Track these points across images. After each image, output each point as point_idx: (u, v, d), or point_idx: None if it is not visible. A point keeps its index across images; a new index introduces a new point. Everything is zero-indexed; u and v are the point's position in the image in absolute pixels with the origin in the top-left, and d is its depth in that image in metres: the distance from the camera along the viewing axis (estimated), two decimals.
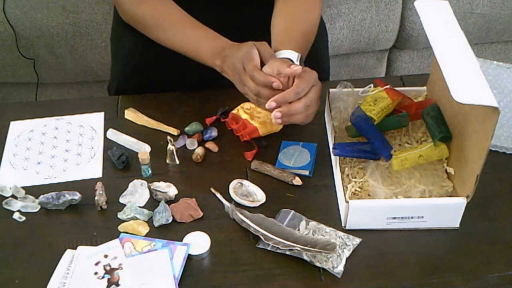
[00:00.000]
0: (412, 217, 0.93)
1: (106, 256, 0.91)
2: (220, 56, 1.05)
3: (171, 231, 0.95)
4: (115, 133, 1.12)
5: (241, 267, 0.90)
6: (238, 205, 0.98)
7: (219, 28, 1.23)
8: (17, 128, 1.15)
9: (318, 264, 0.89)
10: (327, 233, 0.94)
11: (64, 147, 1.11)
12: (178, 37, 1.11)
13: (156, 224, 0.96)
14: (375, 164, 1.00)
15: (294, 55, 1.04)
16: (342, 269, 0.89)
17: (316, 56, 1.16)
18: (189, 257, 0.91)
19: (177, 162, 1.07)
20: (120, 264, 0.89)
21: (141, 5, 1.15)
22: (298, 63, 1.04)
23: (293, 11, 1.14)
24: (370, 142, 0.99)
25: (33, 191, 1.02)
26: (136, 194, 1.00)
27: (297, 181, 1.01)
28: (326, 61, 1.38)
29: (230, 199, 0.99)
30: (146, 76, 1.27)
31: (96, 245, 0.93)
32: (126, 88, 1.29)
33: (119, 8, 1.20)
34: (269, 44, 1.11)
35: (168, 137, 1.07)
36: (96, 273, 0.88)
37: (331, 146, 1.05)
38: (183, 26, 1.11)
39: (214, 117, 1.14)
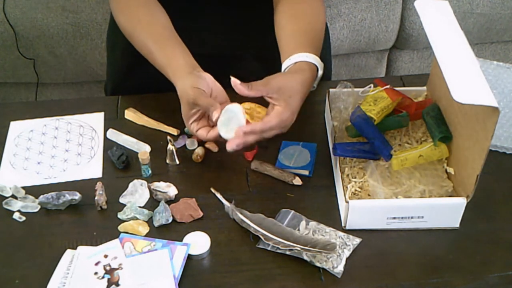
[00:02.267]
0: (412, 217, 0.93)
1: (106, 256, 0.91)
2: (173, 81, 1.03)
3: (171, 231, 0.95)
4: (115, 133, 1.12)
5: (241, 267, 0.90)
6: (237, 206, 0.98)
7: (220, 27, 1.23)
8: (17, 128, 1.15)
9: (318, 264, 0.89)
10: (327, 233, 0.94)
11: (64, 147, 1.11)
12: (144, 53, 1.10)
13: (156, 224, 0.96)
14: (375, 164, 1.00)
15: (317, 61, 1.04)
16: (342, 269, 0.89)
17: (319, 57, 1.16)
18: (189, 257, 0.91)
19: (177, 162, 1.07)
20: (120, 264, 0.89)
21: (120, 14, 1.14)
22: (321, 71, 1.04)
23: (302, 13, 1.12)
24: (370, 142, 0.99)
25: (33, 191, 1.02)
26: (136, 194, 1.00)
27: (297, 181, 1.01)
28: (329, 61, 1.38)
29: (230, 199, 0.99)
30: (141, 76, 1.26)
31: (96, 245, 0.93)
32: (121, 88, 1.29)
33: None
34: (272, 45, 1.10)
35: (168, 137, 1.07)
36: (96, 273, 0.88)
37: (331, 146, 1.05)
38: (147, 42, 1.09)
39: None
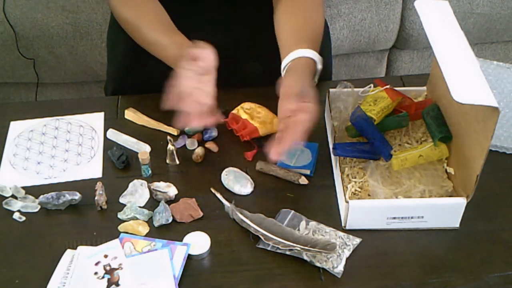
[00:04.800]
0: (412, 217, 0.93)
1: (106, 256, 0.91)
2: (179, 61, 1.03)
3: (171, 231, 0.95)
4: (115, 133, 1.12)
5: (241, 267, 0.90)
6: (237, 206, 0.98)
7: (220, 27, 1.23)
8: (17, 128, 1.15)
9: (318, 264, 0.89)
10: (327, 233, 0.94)
11: (64, 147, 1.11)
12: (152, 44, 1.09)
13: (156, 224, 0.96)
14: (375, 164, 1.00)
15: (316, 56, 1.03)
16: (342, 269, 0.89)
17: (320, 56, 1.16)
18: (189, 257, 0.91)
19: (177, 162, 1.07)
20: (120, 264, 0.89)
21: (122, 7, 1.14)
22: (320, 65, 1.03)
23: (302, 12, 1.12)
24: (370, 142, 0.99)
25: (33, 191, 1.02)
26: (136, 194, 1.00)
27: (303, 180, 1.01)
28: (329, 61, 1.38)
29: (230, 199, 0.99)
30: (141, 77, 1.26)
31: (96, 245, 0.93)
32: (122, 89, 1.29)
33: (110, 8, 1.20)
34: (272, 45, 1.10)
35: (168, 137, 1.07)
36: (96, 273, 0.88)
37: (331, 146, 1.05)
38: (155, 33, 1.09)
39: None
